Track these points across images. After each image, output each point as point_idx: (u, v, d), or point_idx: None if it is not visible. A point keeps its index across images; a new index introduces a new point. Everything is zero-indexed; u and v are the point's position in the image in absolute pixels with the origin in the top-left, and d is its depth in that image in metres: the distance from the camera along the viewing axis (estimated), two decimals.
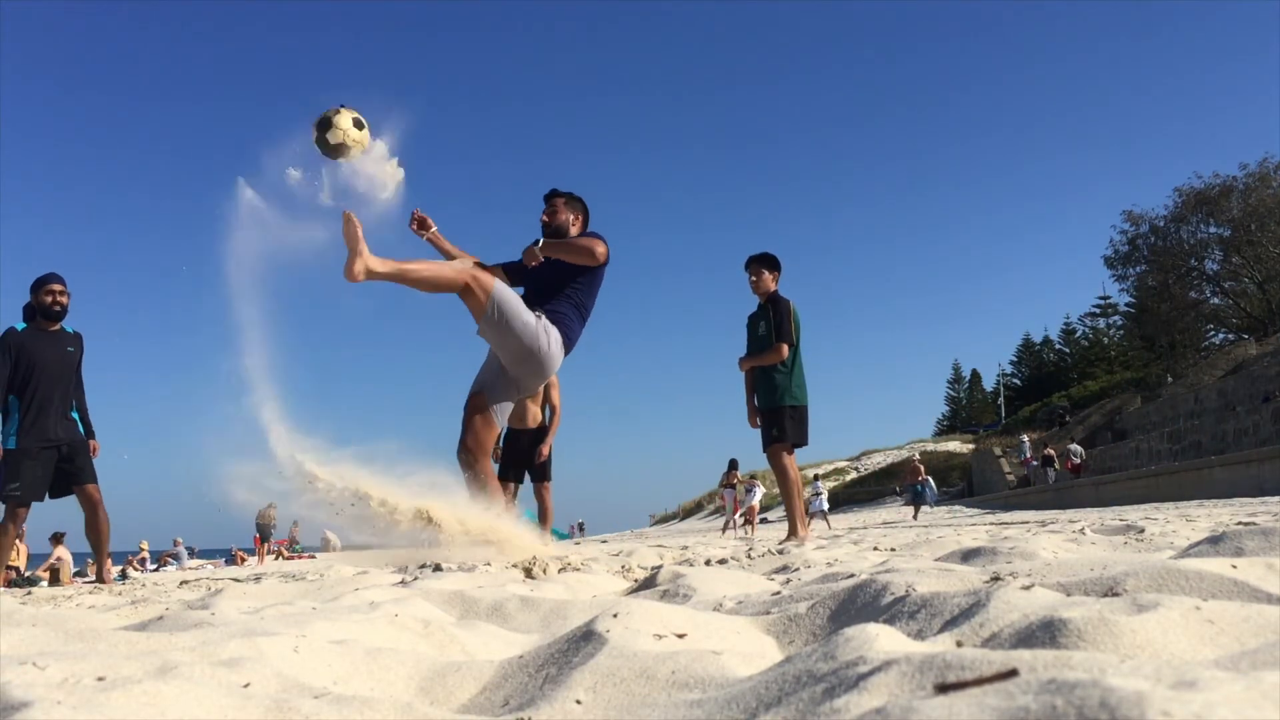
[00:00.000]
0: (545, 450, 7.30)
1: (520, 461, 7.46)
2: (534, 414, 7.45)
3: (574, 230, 4.62)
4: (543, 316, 4.30)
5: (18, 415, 5.60)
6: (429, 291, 4.24)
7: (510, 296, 4.24)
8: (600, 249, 4.37)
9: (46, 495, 5.67)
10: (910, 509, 26.40)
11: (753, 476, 20.59)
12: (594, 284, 4.51)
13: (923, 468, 27.10)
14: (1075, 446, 28.73)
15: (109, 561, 5.91)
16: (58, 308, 5.76)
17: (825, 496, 23.03)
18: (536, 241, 4.40)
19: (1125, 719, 0.58)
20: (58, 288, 5.76)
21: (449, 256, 4.55)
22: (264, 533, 24.66)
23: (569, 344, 4.41)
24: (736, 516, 20.14)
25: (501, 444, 7.52)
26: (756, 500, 20.22)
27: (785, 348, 6.34)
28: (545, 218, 4.63)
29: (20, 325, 5.72)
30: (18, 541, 16.26)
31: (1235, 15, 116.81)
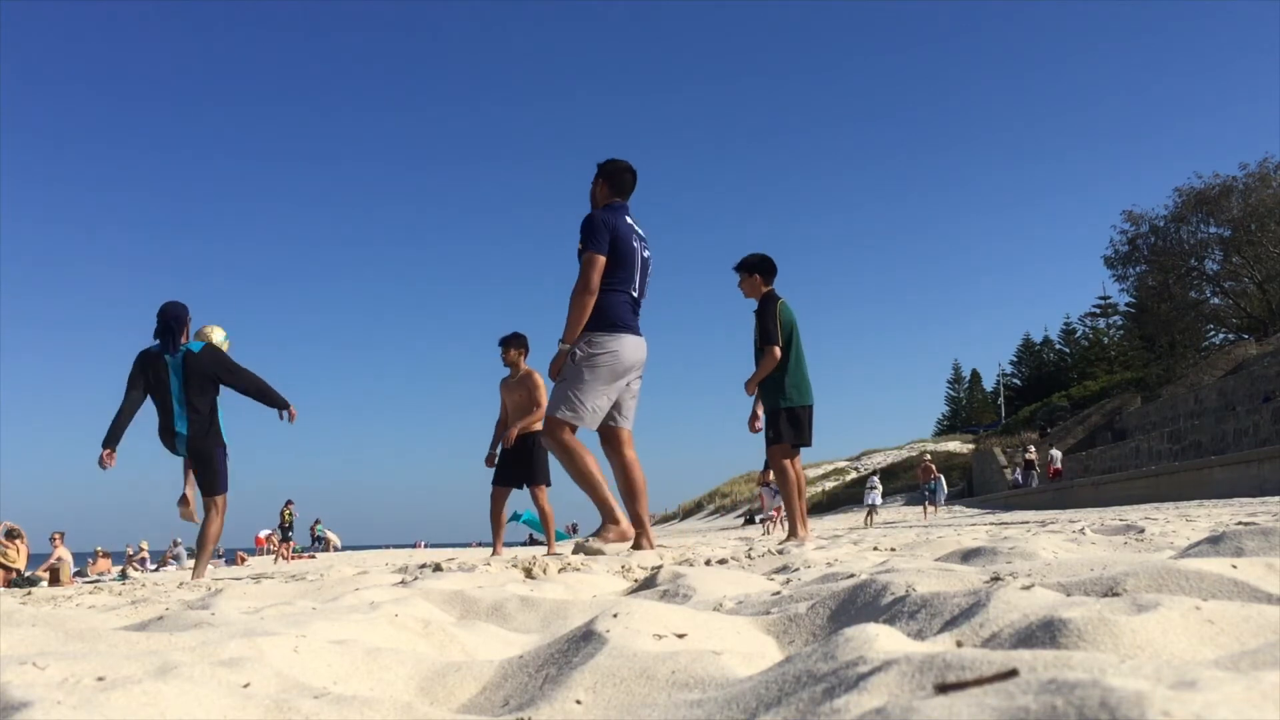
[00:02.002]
0: (513, 433, 7.46)
1: (512, 466, 7.52)
2: (528, 423, 7.48)
3: (599, 198, 4.86)
4: (577, 357, 4.62)
5: (222, 420, 6.09)
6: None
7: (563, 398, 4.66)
8: (582, 279, 4.55)
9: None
10: (914, 505, 26.82)
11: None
12: (612, 265, 4.64)
13: (934, 466, 27.61)
14: (1055, 452, 29.80)
15: (206, 563, 6.20)
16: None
17: (880, 492, 23.69)
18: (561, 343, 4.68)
19: (1125, 719, 0.58)
20: None
21: None
22: (284, 531, 24.60)
23: (616, 325, 4.61)
24: (771, 514, 20.48)
25: (499, 450, 7.63)
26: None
27: (776, 350, 6.25)
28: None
29: (195, 345, 6.04)
30: (18, 541, 16.27)
31: (1235, 15, 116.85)
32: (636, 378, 4.83)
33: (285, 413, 6.06)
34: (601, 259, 4.60)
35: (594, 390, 4.63)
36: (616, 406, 4.80)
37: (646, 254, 4.86)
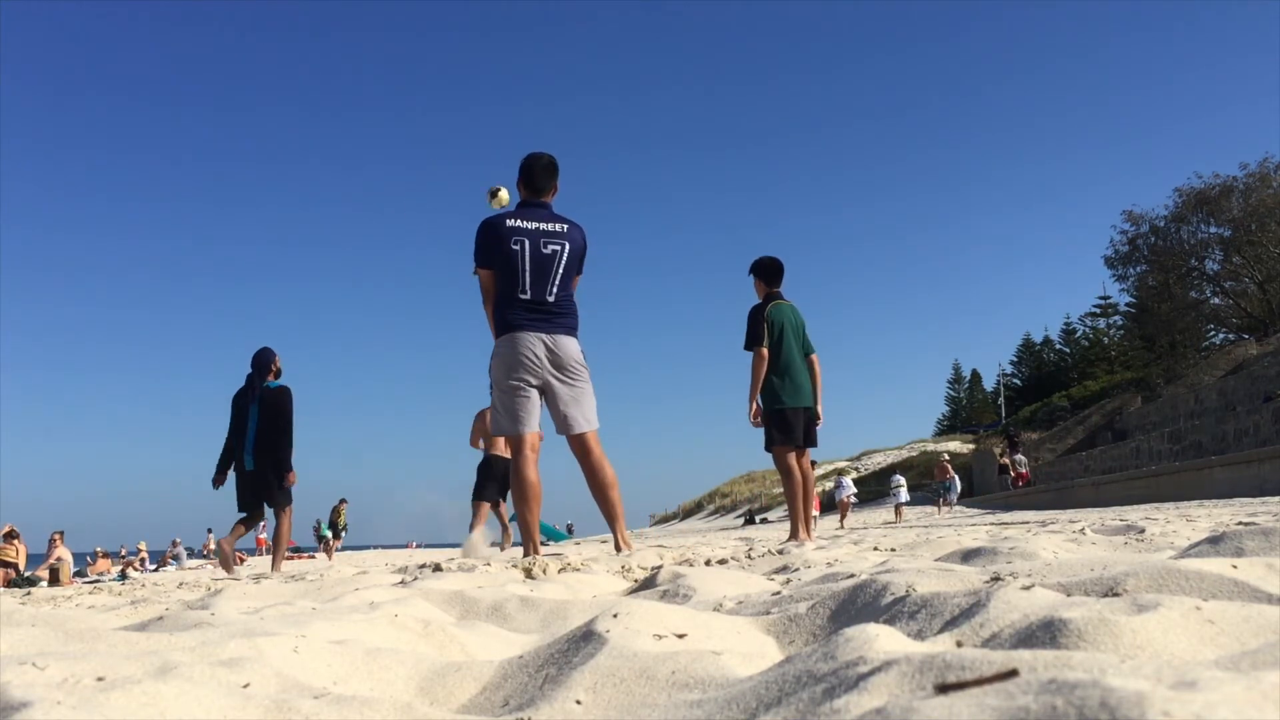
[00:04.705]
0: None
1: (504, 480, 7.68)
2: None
3: (521, 196, 4.92)
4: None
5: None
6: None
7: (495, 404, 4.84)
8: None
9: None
10: (913, 506, 27.34)
11: (841, 473, 21.65)
12: (498, 273, 4.73)
13: (950, 466, 28.15)
14: (1020, 457, 30.52)
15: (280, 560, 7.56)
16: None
17: (905, 489, 24.27)
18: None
19: (1126, 719, 0.58)
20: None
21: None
22: (335, 530, 24.46)
23: (505, 328, 4.70)
24: (816, 512, 20.75)
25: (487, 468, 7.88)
26: (847, 494, 21.08)
27: (761, 350, 6.26)
28: None
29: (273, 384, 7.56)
30: (16, 541, 16.26)
31: (1235, 15, 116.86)
32: (559, 376, 4.66)
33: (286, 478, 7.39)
34: (483, 272, 4.76)
35: (498, 394, 4.71)
36: (553, 412, 4.73)
37: (550, 249, 4.67)
